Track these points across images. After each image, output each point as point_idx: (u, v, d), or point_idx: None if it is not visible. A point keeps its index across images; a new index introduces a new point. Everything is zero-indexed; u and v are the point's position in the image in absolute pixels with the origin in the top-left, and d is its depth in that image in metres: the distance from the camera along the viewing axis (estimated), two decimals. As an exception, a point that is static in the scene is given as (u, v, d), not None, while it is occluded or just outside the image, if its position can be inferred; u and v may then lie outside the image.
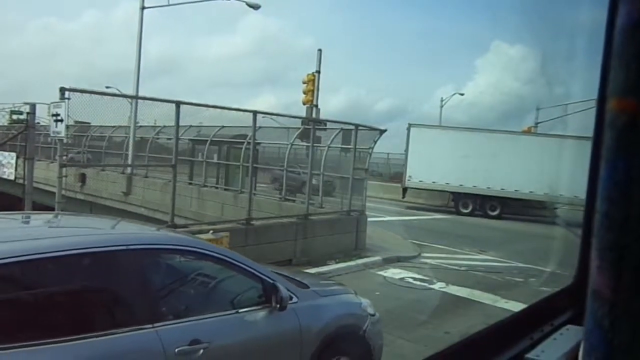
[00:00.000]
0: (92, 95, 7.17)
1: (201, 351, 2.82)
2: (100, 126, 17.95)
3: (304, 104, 14.75)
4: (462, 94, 32.37)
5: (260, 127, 12.34)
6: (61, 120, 5.53)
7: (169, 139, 15.54)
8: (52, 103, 5.62)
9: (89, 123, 17.81)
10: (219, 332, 3.03)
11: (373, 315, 4.14)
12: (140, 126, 16.27)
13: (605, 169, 0.45)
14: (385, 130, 10.89)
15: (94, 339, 2.53)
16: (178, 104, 7.01)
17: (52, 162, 17.57)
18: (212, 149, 14.36)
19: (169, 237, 3.65)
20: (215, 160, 14.30)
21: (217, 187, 13.79)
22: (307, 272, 6.18)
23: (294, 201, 11.93)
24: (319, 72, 14.75)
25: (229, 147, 13.75)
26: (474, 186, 19.32)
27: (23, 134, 6.63)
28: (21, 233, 3.17)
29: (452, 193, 20.31)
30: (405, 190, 20.99)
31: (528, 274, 9.70)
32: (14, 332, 2.40)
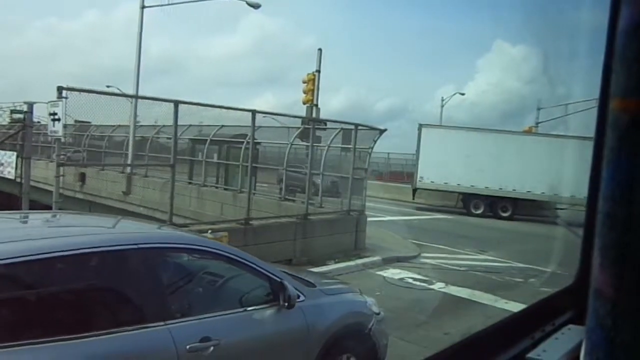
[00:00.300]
0: (93, 95, 7.18)
1: (211, 348, 2.87)
2: (101, 125, 17.96)
3: (304, 103, 14.71)
4: (462, 94, 32.36)
5: (259, 127, 12.31)
6: (58, 119, 5.50)
7: (169, 138, 15.53)
8: (49, 102, 5.58)
9: (89, 122, 17.82)
10: (229, 330, 3.08)
11: (378, 314, 4.18)
12: (141, 125, 16.27)
13: (607, 169, 0.45)
14: (385, 130, 10.86)
15: (109, 336, 2.58)
16: (176, 103, 6.98)
17: (51, 162, 17.47)
18: (212, 149, 14.33)
19: (178, 236, 3.71)
20: (215, 160, 14.27)
21: (217, 187, 13.77)
22: (312, 271, 6.24)
23: (294, 201, 11.90)
24: (319, 71, 14.71)
25: (229, 146, 13.72)
26: (486, 187, 19.13)
27: (21, 133, 6.58)
28: (32, 232, 3.20)
29: (464, 194, 20.04)
30: (414, 191, 20.84)
31: (528, 274, 9.66)
32: (34, 329, 2.44)
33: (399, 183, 27.92)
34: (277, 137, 12.92)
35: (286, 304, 3.30)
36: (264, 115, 12.11)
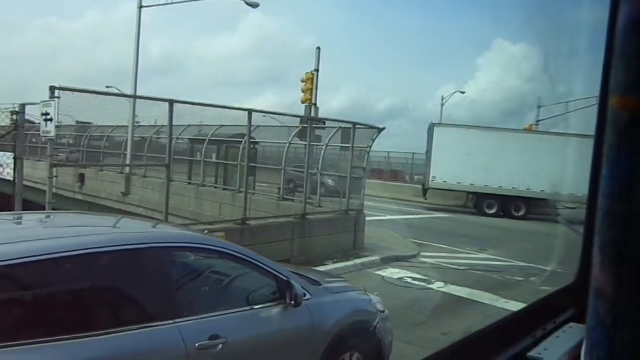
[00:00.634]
0: (93, 95, 7.20)
1: (220, 346, 2.91)
2: (100, 126, 17.94)
3: (302, 102, 14.64)
4: (463, 92, 32.21)
5: (258, 127, 12.26)
6: (51, 120, 5.44)
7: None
8: (42, 102, 5.53)
9: (90, 123, 17.79)
10: (237, 328, 3.11)
11: (383, 311, 4.22)
12: (140, 126, 16.21)
13: (607, 166, 0.45)
14: (383, 129, 10.79)
15: (120, 334, 2.63)
16: (171, 102, 6.93)
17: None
18: (212, 149, 14.29)
19: (187, 236, 3.76)
20: (214, 160, 14.22)
21: (215, 187, 13.72)
22: (317, 270, 6.29)
23: (293, 200, 11.84)
24: (317, 70, 14.64)
25: (227, 146, 13.67)
26: (500, 187, 18.95)
27: (14, 133, 6.53)
28: (41, 233, 3.22)
29: (477, 194, 19.81)
30: (426, 190, 20.63)
31: (529, 273, 9.59)
32: (47, 329, 2.49)
33: (399, 182, 27.87)
34: (277, 136, 12.87)
35: (293, 302, 3.34)
36: (264, 115, 12.07)
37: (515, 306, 6.82)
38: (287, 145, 11.49)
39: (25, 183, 16.47)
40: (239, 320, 3.16)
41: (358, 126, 10.69)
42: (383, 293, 7.55)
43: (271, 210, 10.75)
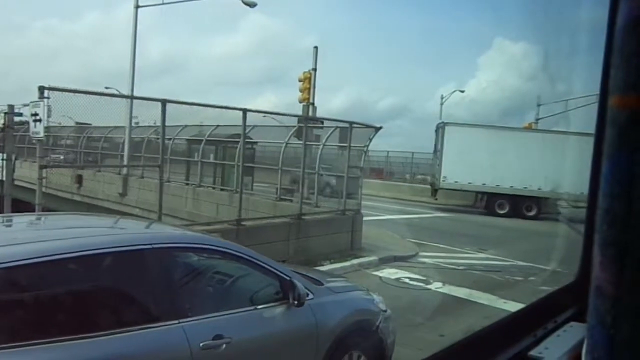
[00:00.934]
0: (92, 96, 7.19)
1: (224, 346, 2.93)
2: (97, 127, 17.86)
3: (300, 102, 14.55)
4: (462, 91, 31.97)
5: (254, 126, 12.18)
6: (40, 120, 5.36)
7: (169, 139, 15.41)
8: (31, 102, 5.45)
9: (89, 124, 17.72)
10: (240, 328, 3.13)
11: (385, 311, 4.23)
12: (139, 126, 16.14)
13: (607, 165, 0.45)
14: (380, 128, 10.69)
15: (125, 334, 2.65)
16: (164, 102, 6.86)
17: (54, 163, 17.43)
18: (210, 149, 14.20)
19: (191, 237, 3.79)
20: (211, 160, 14.13)
21: (213, 188, 13.64)
22: (320, 270, 6.31)
23: (291, 201, 11.74)
24: (315, 69, 14.55)
25: (225, 146, 13.58)
26: (511, 186, 18.74)
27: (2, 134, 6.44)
28: (46, 234, 3.23)
29: (488, 194, 19.58)
30: (436, 190, 20.43)
31: (528, 272, 9.50)
32: (53, 328, 2.52)
33: (399, 182, 27.78)
34: (277, 136, 12.74)
35: (296, 302, 3.36)
36: (264, 115, 11.97)
37: (514, 306, 6.72)
38: (284, 144, 11.39)
39: (22, 184, 16.46)
40: (242, 320, 3.17)
41: (355, 125, 10.59)
42: (380, 293, 7.47)
43: (268, 211, 10.67)
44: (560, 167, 17.05)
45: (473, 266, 9.94)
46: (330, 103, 54.92)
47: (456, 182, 19.41)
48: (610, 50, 0.57)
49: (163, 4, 15.59)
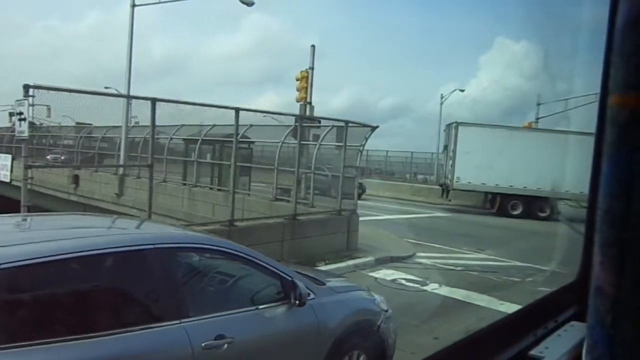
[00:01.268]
0: (92, 96, 7.19)
1: (225, 346, 2.93)
2: (96, 127, 17.77)
3: (297, 101, 14.42)
4: (462, 90, 31.82)
5: (251, 125, 12.08)
6: (24, 119, 5.26)
7: (166, 138, 15.31)
8: (16, 101, 5.36)
9: (90, 124, 17.63)
10: (242, 328, 3.13)
11: (386, 311, 4.23)
12: (138, 126, 16.03)
13: (607, 165, 0.45)
14: (376, 127, 10.56)
15: (127, 334, 2.65)
16: (153, 101, 6.77)
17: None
18: (207, 149, 14.09)
19: (193, 237, 3.80)
20: (208, 160, 14.03)
21: (211, 188, 13.53)
22: (321, 269, 6.36)
23: (288, 201, 11.62)
24: (312, 68, 14.42)
25: (222, 146, 13.47)
26: (524, 187, 18.52)
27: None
28: (48, 234, 3.19)
29: (501, 195, 19.32)
30: (448, 191, 20.22)
31: (527, 273, 9.39)
32: (56, 328, 2.53)
33: (398, 181, 27.66)
34: (276, 136, 12.59)
35: (297, 302, 3.36)
36: (264, 115, 11.86)
37: (511, 308, 6.62)
38: (280, 144, 11.28)
39: (19, 184, 16.30)
40: (244, 320, 3.18)
41: (351, 124, 10.47)
42: (375, 295, 7.38)
43: (264, 211, 10.56)
44: (574, 167, 16.84)
45: (470, 267, 9.82)
46: (331, 102, 54.84)
47: (469, 182, 19.20)
48: (611, 50, 0.53)
49: (160, 2, 15.48)
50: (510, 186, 18.73)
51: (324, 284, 4.00)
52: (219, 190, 13.06)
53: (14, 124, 8.09)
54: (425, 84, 71.83)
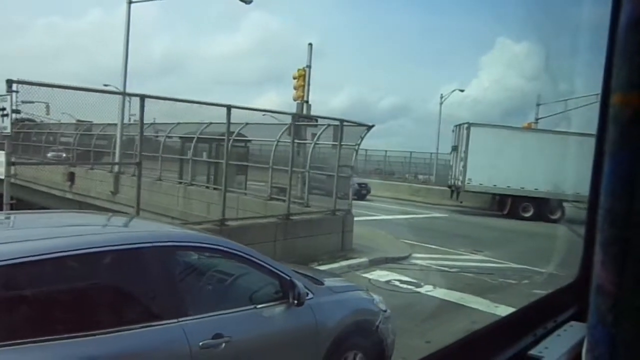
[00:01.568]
0: (92, 94, 7.18)
1: (223, 345, 2.92)
2: (94, 124, 17.67)
3: (294, 99, 14.31)
4: (462, 90, 31.66)
5: (247, 124, 11.97)
6: (7, 115, 5.16)
7: (165, 136, 15.22)
8: (-1, 96, 5.26)
9: (90, 122, 17.52)
10: (240, 327, 3.12)
11: (385, 311, 4.23)
12: (136, 123, 15.92)
13: (608, 164, 0.45)
14: (372, 126, 10.43)
15: (124, 333, 2.64)
16: (142, 97, 6.67)
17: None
18: (203, 147, 13.96)
19: (191, 235, 3.80)
20: (204, 158, 13.90)
21: (207, 187, 13.41)
22: (320, 269, 6.33)
23: (284, 200, 11.50)
24: (309, 66, 14.30)
25: (218, 144, 13.35)
26: (536, 189, 18.28)
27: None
28: (45, 232, 3.16)
29: (513, 196, 19.06)
30: (458, 193, 19.97)
31: (523, 275, 9.27)
32: (53, 326, 2.51)
33: (397, 181, 27.54)
34: (274, 134, 12.47)
35: (296, 301, 3.35)
36: (263, 114, 11.73)
37: (505, 311, 6.50)
38: (275, 143, 11.17)
39: (19, 182, 16.25)
40: (242, 319, 3.16)
41: (346, 123, 10.36)
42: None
43: (259, 210, 10.45)
44: (585, 169, 16.59)
45: (466, 268, 9.71)
46: (332, 102, 54.70)
47: (481, 184, 18.96)
48: (613, 49, 0.54)
49: (157, -1, 15.36)
50: (522, 188, 18.50)
51: (322, 283, 3.99)
52: (214, 189, 12.95)
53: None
54: (426, 84, 71.71)
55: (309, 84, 14.20)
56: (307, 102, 14.08)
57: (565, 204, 17.64)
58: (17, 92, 5.19)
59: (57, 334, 2.44)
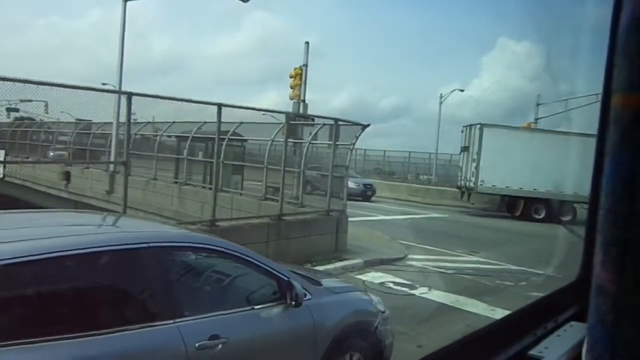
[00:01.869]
0: (93, 93, 7.06)
1: (220, 346, 2.90)
2: (92, 123, 17.57)
3: (291, 98, 14.16)
4: (462, 90, 31.47)
5: (242, 123, 11.84)
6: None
7: (160, 135, 15.10)
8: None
9: (90, 120, 17.42)
10: (237, 328, 3.10)
11: (384, 312, 4.22)
12: (135, 122, 15.80)
13: (609, 164, 0.45)
14: (367, 125, 10.26)
15: (119, 334, 2.62)
16: (129, 95, 6.55)
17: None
18: (199, 146, 13.84)
19: (188, 236, 3.79)
20: (200, 157, 13.77)
21: (203, 187, 13.29)
22: (318, 270, 6.29)
23: (278, 200, 11.37)
24: (306, 65, 14.15)
25: (213, 144, 13.22)
26: (547, 190, 18.07)
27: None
28: (42, 232, 3.11)
29: (525, 198, 18.81)
30: (469, 194, 19.74)
31: (520, 277, 9.11)
32: (48, 326, 2.49)
33: (396, 181, 27.40)
34: (272, 134, 12.33)
35: (293, 302, 3.33)
36: (263, 113, 11.60)
37: (501, 314, 6.36)
38: (270, 142, 11.03)
39: (16, 181, 16.15)
40: (239, 320, 3.15)
41: (340, 123, 10.21)
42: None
43: (253, 210, 10.32)
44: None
45: (463, 270, 9.56)
46: (332, 102, 54.49)
47: (494, 185, 18.71)
48: (614, 49, 0.49)
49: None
50: (534, 189, 18.26)
51: (320, 284, 3.97)
52: (209, 188, 12.82)
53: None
54: (427, 84, 71.41)
55: (305, 83, 14.05)
56: (303, 101, 13.92)
57: (576, 206, 17.50)
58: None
59: (52, 334, 2.42)
